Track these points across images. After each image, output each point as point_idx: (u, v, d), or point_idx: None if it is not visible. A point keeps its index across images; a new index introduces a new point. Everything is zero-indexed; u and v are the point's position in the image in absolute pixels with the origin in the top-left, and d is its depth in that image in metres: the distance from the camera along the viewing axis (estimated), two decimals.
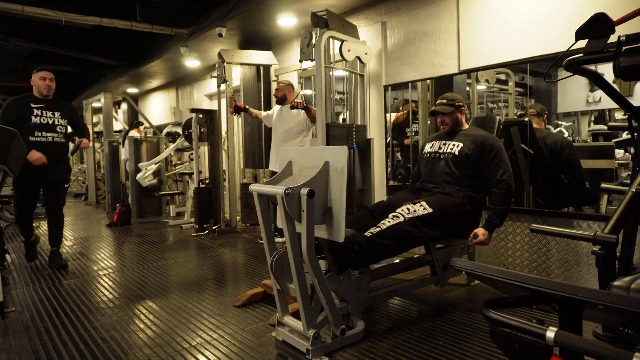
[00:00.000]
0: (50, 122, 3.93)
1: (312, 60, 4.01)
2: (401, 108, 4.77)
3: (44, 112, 3.90)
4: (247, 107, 4.91)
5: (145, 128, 8.60)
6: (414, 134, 4.62)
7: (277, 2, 4.66)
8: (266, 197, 2.36)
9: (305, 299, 2.19)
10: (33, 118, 3.84)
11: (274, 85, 5.97)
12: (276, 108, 4.77)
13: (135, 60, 8.25)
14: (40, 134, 3.85)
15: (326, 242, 2.29)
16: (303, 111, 4.33)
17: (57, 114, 3.97)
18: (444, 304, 2.98)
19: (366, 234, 2.41)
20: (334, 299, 2.28)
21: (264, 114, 4.95)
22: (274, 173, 4.67)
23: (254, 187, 2.34)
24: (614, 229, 1.83)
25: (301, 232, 2.11)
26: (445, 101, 2.96)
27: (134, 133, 8.05)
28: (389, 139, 4.67)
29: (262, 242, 4.86)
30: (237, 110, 4.85)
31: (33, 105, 3.87)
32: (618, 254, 1.87)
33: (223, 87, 5.50)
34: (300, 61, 4.09)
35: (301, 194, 2.09)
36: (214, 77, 5.62)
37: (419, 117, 4.49)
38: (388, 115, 4.61)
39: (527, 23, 3.38)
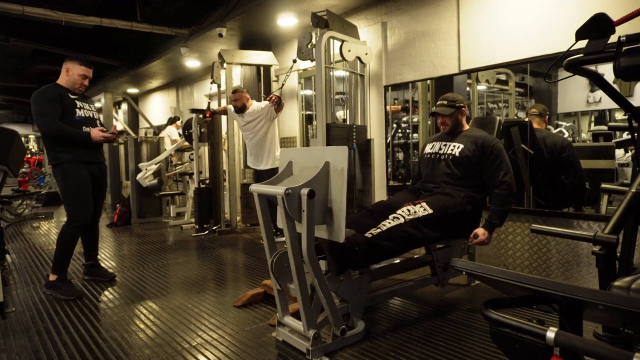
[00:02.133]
0: (91, 116, 3.45)
1: (312, 60, 4.01)
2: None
3: (84, 105, 3.42)
4: (213, 109, 5.20)
5: (180, 121, 8.46)
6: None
7: (277, 2, 4.66)
8: (266, 197, 2.36)
9: (305, 299, 2.19)
10: (77, 111, 3.34)
11: (274, 85, 5.98)
12: (236, 115, 4.77)
13: (135, 60, 8.25)
14: (87, 130, 3.33)
15: (326, 242, 2.29)
16: (261, 105, 4.50)
17: (92, 107, 3.51)
18: (444, 304, 2.98)
19: (366, 234, 2.41)
20: (334, 299, 2.28)
21: (228, 106, 4.97)
22: (256, 171, 4.87)
23: (254, 187, 2.34)
24: (614, 229, 1.83)
25: (301, 232, 2.11)
26: (446, 102, 2.95)
27: (172, 128, 8.06)
28: (389, 138, 4.68)
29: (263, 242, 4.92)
30: (210, 116, 5.18)
31: (72, 96, 3.36)
32: (618, 254, 1.87)
33: (223, 87, 5.50)
34: (294, 61, 4.08)
35: (301, 194, 2.09)
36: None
37: (418, 117, 4.49)
38: (388, 107, 4.66)
39: (527, 23, 3.39)
